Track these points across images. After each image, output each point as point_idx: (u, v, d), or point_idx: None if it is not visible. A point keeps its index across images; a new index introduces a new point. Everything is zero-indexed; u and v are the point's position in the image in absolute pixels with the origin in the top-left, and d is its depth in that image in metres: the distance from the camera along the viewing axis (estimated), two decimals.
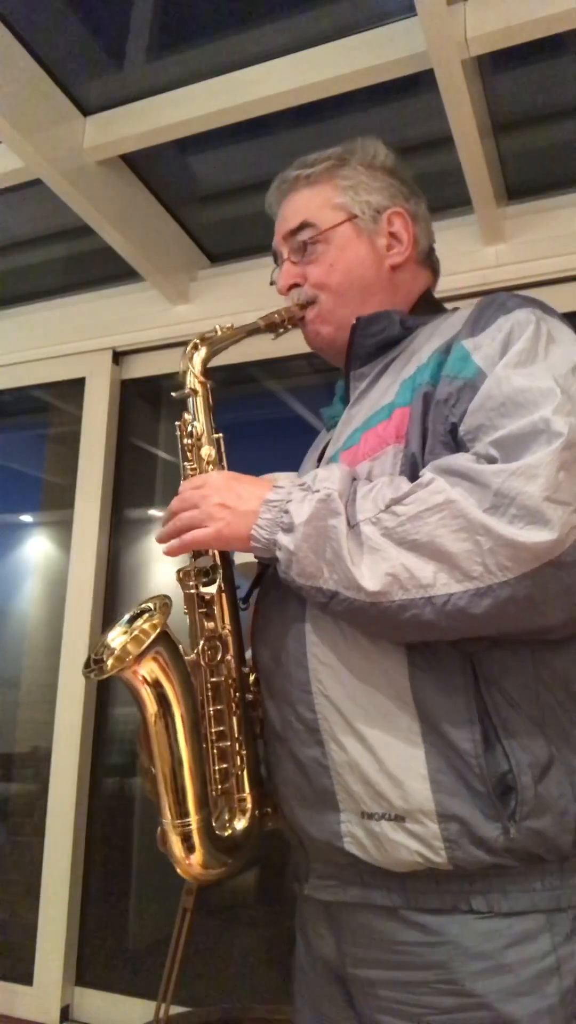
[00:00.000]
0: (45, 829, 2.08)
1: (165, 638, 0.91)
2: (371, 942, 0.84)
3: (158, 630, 0.90)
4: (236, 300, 2.07)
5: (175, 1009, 1.68)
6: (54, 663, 2.19)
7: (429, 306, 1.11)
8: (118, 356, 2.35)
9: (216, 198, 2.11)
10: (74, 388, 2.38)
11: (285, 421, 2.40)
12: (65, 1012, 1.99)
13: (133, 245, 1.97)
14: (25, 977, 2.03)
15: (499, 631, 0.78)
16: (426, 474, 0.80)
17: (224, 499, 0.91)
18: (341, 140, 1.13)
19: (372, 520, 0.79)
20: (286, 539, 0.83)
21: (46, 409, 2.64)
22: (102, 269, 2.28)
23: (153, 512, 2.41)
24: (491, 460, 0.77)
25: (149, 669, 0.90)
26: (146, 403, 2.43)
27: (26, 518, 2.71)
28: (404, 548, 0.77)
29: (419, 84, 1.56)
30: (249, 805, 0.98)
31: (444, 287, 1.23)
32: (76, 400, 2.36)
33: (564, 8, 1.34)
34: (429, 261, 1.15)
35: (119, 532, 2.31)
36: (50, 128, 1.66)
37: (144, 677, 0.90)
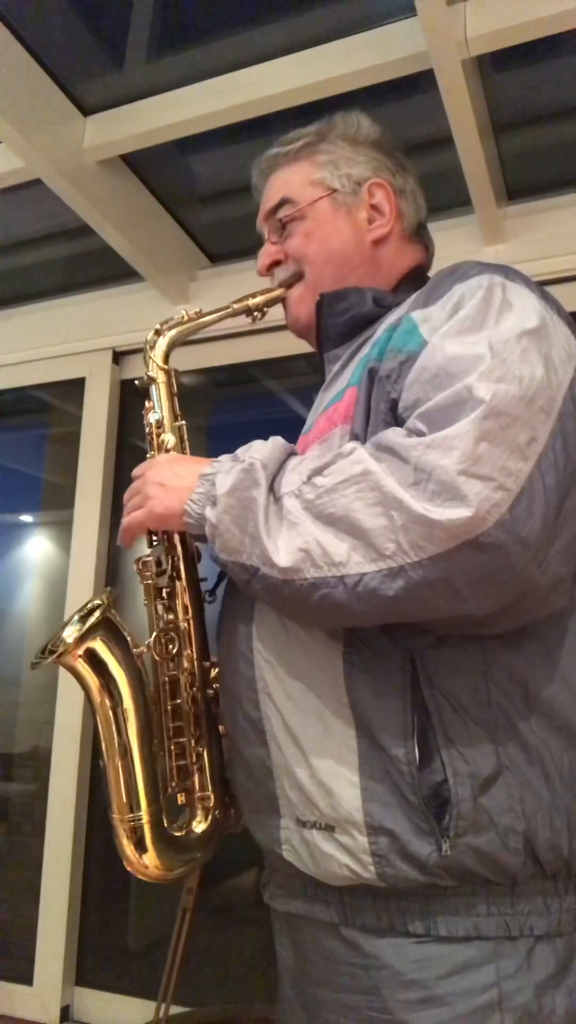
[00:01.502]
0: (45, 829, 2.08)
1: (108, 625, 0.89)
2: (318, 958, 0.78)
3: (96, 616, 0.88)
4: None
5: (175, 1009, 1.68)
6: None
7: (417, 283, 1.00)
8: (118, 356, 2.35)
9: (216, 198, 2.11)
10: (74, 388, 2.38)
11: (285, 421, 2.40)
12: (65, 1012, 1.98)
13: (133, 245, 1.97)
14: (25, 977, 2.02)
15: (421, 617, 0.71)
16: (349, 444, 0.75)
17: (161, 478, 0.88)
18: None
19: (295, 493, 0.74)
20: (211, 512, 0.78)
21: (46, 409, 2.64)
22: (102, 269, 2.27)
23: None
24: (420, 434, 0.71)
25: (92, 656, 0.89)
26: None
27: (26, 518, 2.70)
28: (321, 522, 0.71)
29: (419, 84, 1.56)
30: (211, 805, 0.93)
31: None
32: (76, 400, 2.36)
33: (564, 8, 1.34)
34: (419, 237, 1.07)
35: (119, 532, 2.30)
36: (50, 128, 1.66)
37: (87, 664, 0.89)
